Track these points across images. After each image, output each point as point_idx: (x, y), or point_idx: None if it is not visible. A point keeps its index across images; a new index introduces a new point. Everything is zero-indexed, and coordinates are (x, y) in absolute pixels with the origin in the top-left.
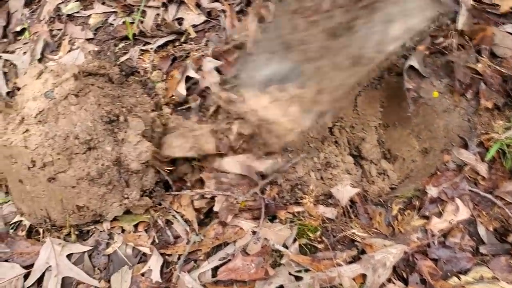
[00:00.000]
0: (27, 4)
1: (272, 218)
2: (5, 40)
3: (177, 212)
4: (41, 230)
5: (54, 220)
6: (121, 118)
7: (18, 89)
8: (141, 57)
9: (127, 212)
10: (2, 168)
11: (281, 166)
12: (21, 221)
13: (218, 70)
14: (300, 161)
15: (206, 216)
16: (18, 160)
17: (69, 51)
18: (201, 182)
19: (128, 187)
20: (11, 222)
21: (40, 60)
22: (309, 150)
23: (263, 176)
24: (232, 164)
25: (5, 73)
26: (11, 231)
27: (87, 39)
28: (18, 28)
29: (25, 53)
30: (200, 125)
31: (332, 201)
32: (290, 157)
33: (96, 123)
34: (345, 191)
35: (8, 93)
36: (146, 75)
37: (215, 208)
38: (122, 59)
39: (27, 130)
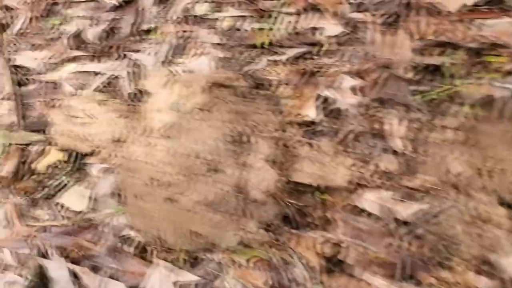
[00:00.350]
0: (157, 2)
1: (410, 278)
2: (132, 38)
3: (297, 253)
4: (149, 249)
5: (165, 241)
6: (245, 138)
7: (141, 92)
8: (269, 68)
9: (241, 244)
10: (122, 177)
11: (426, 213)
12: (131, 235)
13: (355, 90)
14: (446, 209)
15: (330, 262)
16: (137, 175)
17: (194, 55)
18: (326, 221)
19: (245, 216)
20: (121, 235)
21: (163, 63)
22: (456, 196)
23: (404, 223)
24: (368, 201)
25: (129, 73)
26: (120, 244)
27: (214, 44)
28: (146, 27)
29: (150, 53)
30: (330, 151)
31: (487, 268)
32: (436, 204)
33: (219, 142)
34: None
35: (130, 94)
36: (272, 89)
37: (342, 257)
38: (247, 69)
39: (149, 144)
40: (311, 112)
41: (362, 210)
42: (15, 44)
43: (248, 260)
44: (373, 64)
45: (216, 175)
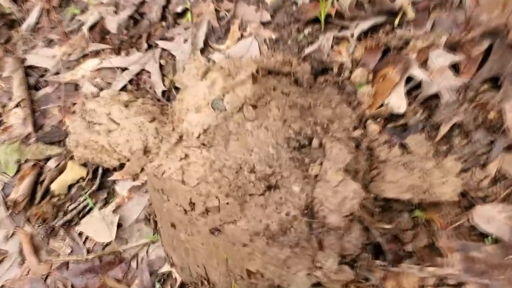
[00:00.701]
0: None
1: None
2: (163, 23)
3: None
4: None
5: (214, 283)
6: (315, 142)
7: (176, 88)
8: (336, 47)
9: (317, 286)
10: (152, 199)
11: None
12: (170, 272)
13: (456, 68)
14: None
15: None
16: (172, 198)
17: (239, 38)
18: (434, 251)
19: (321, 250)
20: (159, 272)
21: (202, 51)
22: None
23: None
24: (490, 221)
25: (161, 66)
26: (158, 285)
27: (263, 23)
28: (179, 9)
29: (185, 40)
30: (429, 153)
31: None
32: None
33: (280, 149)
34: None
35: (164, 92)
36: (343, 74)
37: None
38: (308, 50)
39: (186, 156)
40: (398, 102)
41: (484, 235)
42: (29, 41)
43: None
44: (478, 32)
45: (277, 194)
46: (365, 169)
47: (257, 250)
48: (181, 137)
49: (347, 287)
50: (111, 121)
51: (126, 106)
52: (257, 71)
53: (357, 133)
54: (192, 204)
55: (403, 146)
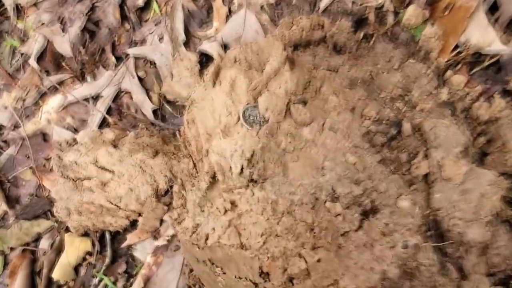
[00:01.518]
0: None
1: None
2: (127, 25)
3: None
4: None
5: None
6: (406, 127)
7: (169, 102)
8: None
9: None
10: (195, 269)
11: None
12: None
13: None
14: None
15: None
16: (230, 270)
17: (227, 16)
18: None
19: (465, 278)
20: None
21: (187, 44)
22: None
23: None
24: None
25: (141, 80)
26: None
27: None
28: (141, 1)
29: (161, 38)
30: None
31: None
32: None
33: (362, 153)
34: None
35: (155, 112)
36: (386, 20)
37: None
38: (324, 3)
39: (232, 205)
40: (482, 34)
41: None
42: None
43: None
44: None
45: (381, 220)
46: (471, 140)
47: None
48: (213, 177)
49: None
50: (102, 170)
51: (115, 146)
52: (285, 49)
53: (445, 94)
54: (264, 275)
55: (508, 93)
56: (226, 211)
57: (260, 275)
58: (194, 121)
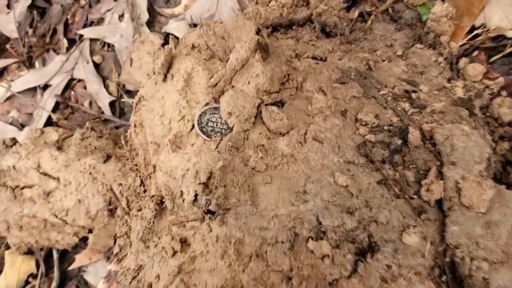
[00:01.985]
0: None
1: None
2: (82, 1)
3: None
4: None
5: None
6: (414, 135)
7: (129, 92)
8: None
9: None
10: None
11: None
12: None
13: None
14: None
15: None
16: None
17: None
18: None
19: None
20: None
21: (150, 24)
22: None
23: None
24: None
25: (97, 66)
26: None
27: None
28: None
29: (121, 16)
30: None
31: None
32: None
33: (356, 171)
34: None
35: (112, 104)
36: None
37: None
38: None
39: (184, 244)
40: (503, 13)
41: None
42: None
43: None
44: None
45: (381, 261)
46: (492, 146)
47: None
48: (160, 203)
49: None
50: (45, 177)
51: (60, 148)
52: (259, 32)
53: (460, 88)
54: None
55: None
56: (174, 252)
57: None
58: (142, 125)
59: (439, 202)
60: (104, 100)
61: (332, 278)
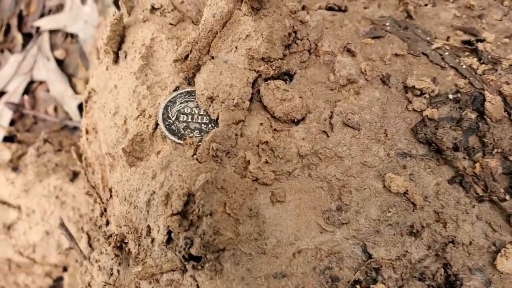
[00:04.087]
0: None
1: None
2: None
3: None
4: None
5: None
6: (491, 105)
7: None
8: None
9: None
10: None
11: None
12: None
13: None
14: None
15: None
16: None
17: None
18: None
19: None
20: None
21: (118, 5)
22: None
23: None
24: None
25: (60, 63)
26: None
27: None
28: None
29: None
30: None
31: None
32: None
33: (416, 165)
34: None
35: (81, 107)
36: None
37: None
38: None
39: None
40: None
41: None
42: None
43: None
44: None
45: None
46: None
47: None
48: (119, 246)
49: None
50: (4, 206)
51: (16, 169)
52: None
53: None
54: None
55: None
56: None
57: None
58: (95, 129)
59: None
60: (71, 104)
61: None
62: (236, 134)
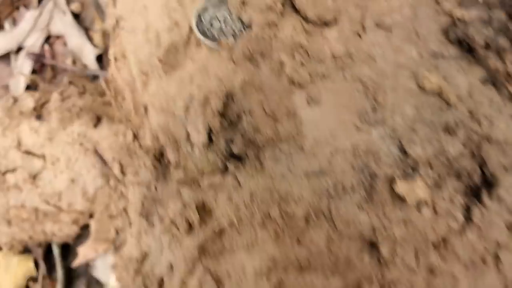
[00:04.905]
0: None
1: None
2: None
3: None
4: None
5: None
6: None
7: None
8: None
9: None
10: None
11: None
12: None
13: None
14: None
15: None
16: None
17: None
18: None
19: None
20: None
21: None
22: None
23: None
24: None
25: (77, 17)
26: None
27: None
28: None
29: None
30: None
31: None
32: None
33: (448, 67)
34: None
35: (100, 58)
36: None
37: None
38: None
39: (203, 209)
40: None
41: None
42: None
43: None
44: None
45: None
46: None
47: None
48: (159, 158)
49: None
50: (29, 156)
51: (39, 117)
52: None
53: None
54: None
55: None
56: (190, 226)
57: None
58: (124, 55)
59: None
60: (89, 55)
61: (436, 236)
62: (270, 37)
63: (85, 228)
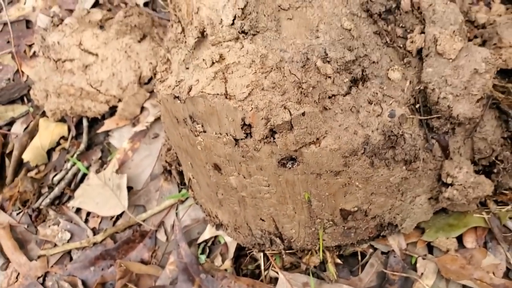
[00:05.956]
0: None
1: None
2: None
3: None
4: (260, 255)
5: (290, 238)
6: (405, 2)
7: None
8: None
9: (441, 212)
10: (172, 138)
11: None
12: (217, 237)
13: None
14: None
15: None
16: (211, 126)
17: None
18: None
19: (448, 158)
20: (201, 241)
21: None
22: None
23: None
24: None
25: None
26: (203, 257)
27: None
28: None
29: None
30: None
31: None
32: None
33: (358, 21)
34: None
35: (146, 4)
36: None
37: None
38: None
39: (220, 58)
40: None
41: None
42: None
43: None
44: None
45: (370, 89)
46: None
47: (356, 177)
48: (202, 33)
49: (484, 204)
50: (86, 52)
51: (102, 27)
52: None
53: None
54: (246, 127)
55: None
56: (213, 63)
57: (242, 128)
58: None
59: (419, 53)
60: None
61: (331, 93)
62: None
63: (113, 108)
